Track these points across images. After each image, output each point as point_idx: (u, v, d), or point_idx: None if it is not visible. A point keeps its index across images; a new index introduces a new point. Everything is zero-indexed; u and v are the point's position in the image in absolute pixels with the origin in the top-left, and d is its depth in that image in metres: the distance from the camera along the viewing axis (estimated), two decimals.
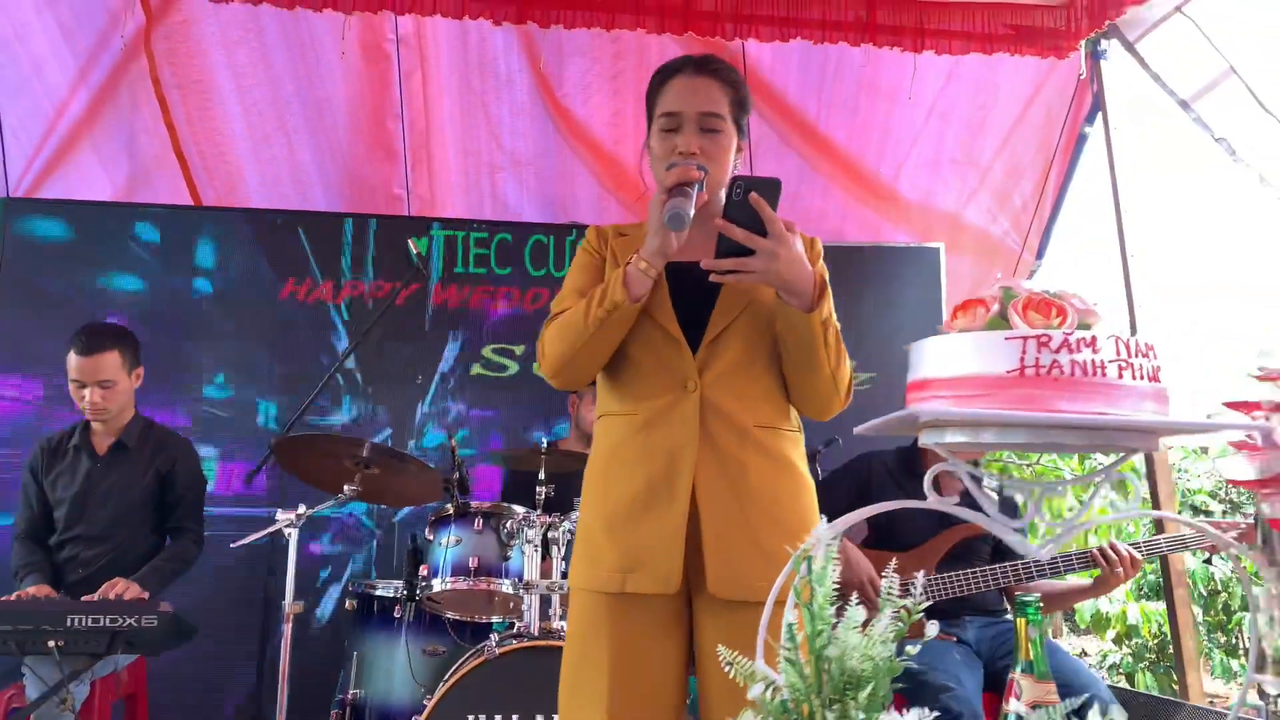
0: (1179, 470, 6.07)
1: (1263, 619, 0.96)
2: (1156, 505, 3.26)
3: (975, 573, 2.56)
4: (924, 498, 0.96)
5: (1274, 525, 0.94)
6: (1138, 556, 2.52)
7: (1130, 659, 5.13)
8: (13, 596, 2.56)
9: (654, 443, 1.52)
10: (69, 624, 2.24)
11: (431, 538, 2.64)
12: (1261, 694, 0.98)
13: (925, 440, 0.95)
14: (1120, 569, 2.51)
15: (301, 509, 2.53)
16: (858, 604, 0.86)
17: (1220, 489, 5.94)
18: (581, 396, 3.34)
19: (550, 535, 2.51)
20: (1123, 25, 3.42)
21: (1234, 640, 5.19)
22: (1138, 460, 3.98)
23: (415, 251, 3.06)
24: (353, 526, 3.65)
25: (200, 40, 3.57)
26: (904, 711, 0.82)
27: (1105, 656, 5.34)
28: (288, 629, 2.49)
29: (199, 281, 3.73)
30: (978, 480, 0.94)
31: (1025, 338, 0.86)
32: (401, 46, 3.68)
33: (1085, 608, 5.10)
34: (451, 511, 2.62)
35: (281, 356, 3.71)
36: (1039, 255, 4.12)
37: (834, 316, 1.53)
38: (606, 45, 3.67)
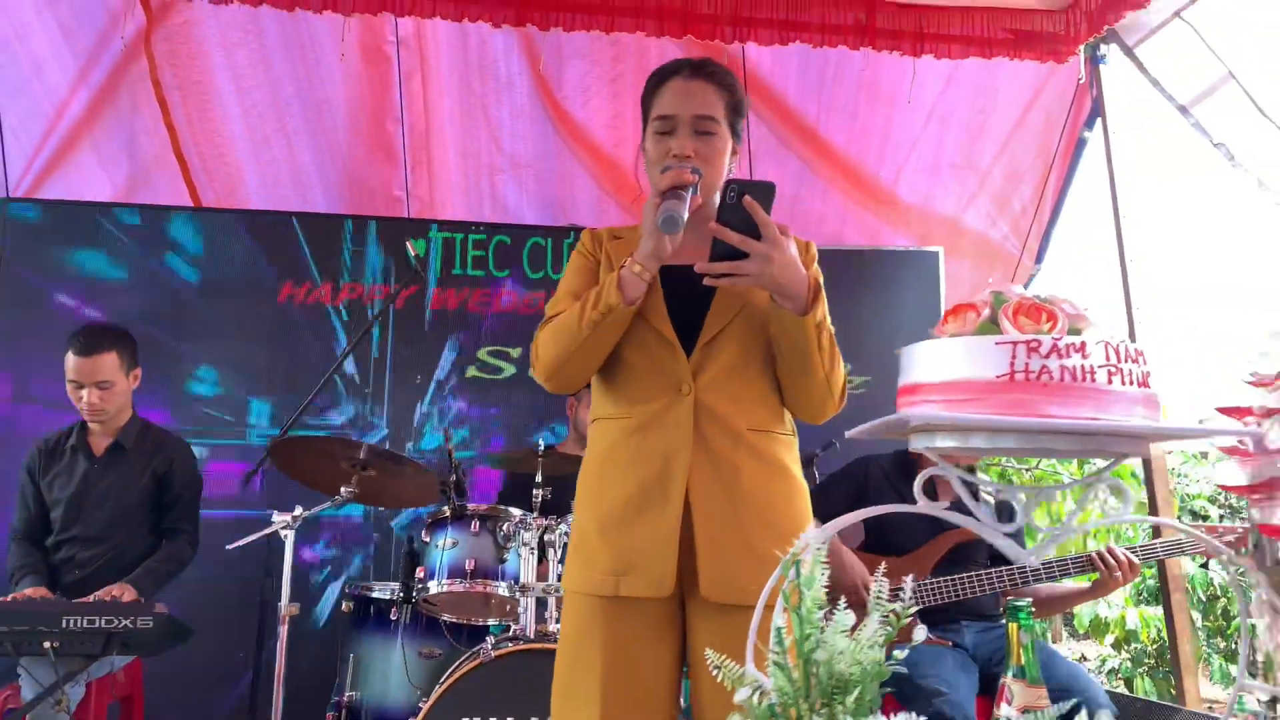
0: (1178, 475, 6.06)
1: (1254, 625, 0.96)
2: (1154, 509, 3.26)
3: (972, 577, 2.56)
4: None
5: (1264, 530, 0.94)
6: (1136, 561, 2.52)
7: (1129, 664, 5.12)
8: (8, 598, 2.56)
9: (648, 446, 1.51)
10: (64, 625, 2.23)
11: (428, 540, 2.64)
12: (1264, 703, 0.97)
13: (916, 445, 0.95)
14: (1119, 573, 2.51)
15: (298, 510, 2.53)
16: (844, 608, 0.86)
17: (1220, 494, 5.93)
18: (580, 399, 3.33)
19: (547, 538, 2.51)
20: (1122, 30, 3.42)
21: (1233, 645, 5.18)
22: (1136, 464, 3.98)
23: (413, 253, 3.06)
24: (349, 529, 3.65)
25: (200, 41, 3.57)
26: (893, 715, 0.82)
27: (1104, 661, 5.33)
28: (284, 631, 2.49)
29: (198, 282, 3.73)
30: (968, 484, 0.94)
31: (1015, 343, 0.86)
32: (402, 48, 3.69)
33: (1084, 612, 5.10)
34: (448, 514, 2.62)
35: (279, 358, 3.71)
36: (1038, 260, 4.12)
37: (828, 320, 1.52)
38: (606, 48, 3.68)
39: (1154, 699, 4.20)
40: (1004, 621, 1.09)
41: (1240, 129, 3.18)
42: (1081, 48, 3.49)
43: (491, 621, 2.70)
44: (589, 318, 1.49)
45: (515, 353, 3.82)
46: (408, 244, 3.15)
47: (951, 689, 2.29)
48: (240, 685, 3.44)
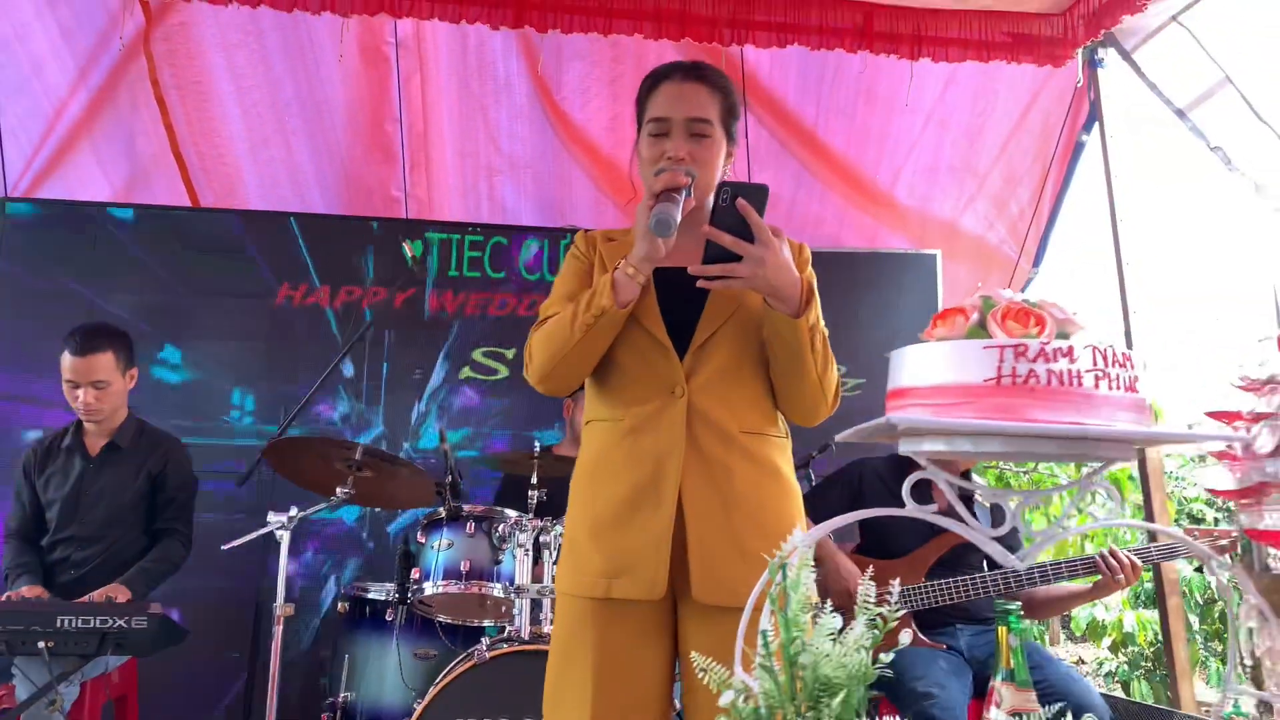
0: (1176, 479, 6.06)
1: (1243, 629, 0.96)
2: (1150, 513, 3.26)
3: (972, 580, 2.56)
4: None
5: (1251, 535, 0.94)
6: (1138, 563, 2.52)
7: (1126, 667, 5.12)
8: (4, 598, 2.56)
9: (641, 448, 1.51)
10: (59, 625, 2.23)
11: (424, 541, 2.64)
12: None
13: (904, 448, 0.95)
14: (1121, 575, 2.50)
15: (294, 511, 2.53)
16: (832, 612, 0.86)
17: (1216, 498, 5.92)
18: (577, 401, 3.33)
19: (542, 540, 2.51)
20: (1119, 34, 3.42)
21: None
22: (1133, 468, 3.98)
23: (410, 254, 3.07)
24: (345, 530, 3.65)
25: (199, 42, 3.58)
26: (882, 718, 0.82)
27: (1101, 664, 5.33)
28: (279, 631, 2.49)
29: (196, 282, 3.73)
30: (959, 490, 0.94)
31: (1002, 347, 0.87)
32: (400, 49, 3.69)
33: (1081, 615, 5.10)
34: (444, 515, 2.62)
35: (277, 359, 3.71)
36: (1036, 263, 4.12)
37: (822, 322, 1.52)
38: (605, 49, 3.68)
39: (1151, 703, 4.20)
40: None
41: (1237, 133, 3.19)
42: (1079, 51, 3.50)
43: (487, 623, 2.70)
44: (582, 320, 1.49)
45: (511, 354, 3.82)
46: (404, 245, 3.16)
47: (943, 691, 2.29)
48: (235, 686, 3.44)
